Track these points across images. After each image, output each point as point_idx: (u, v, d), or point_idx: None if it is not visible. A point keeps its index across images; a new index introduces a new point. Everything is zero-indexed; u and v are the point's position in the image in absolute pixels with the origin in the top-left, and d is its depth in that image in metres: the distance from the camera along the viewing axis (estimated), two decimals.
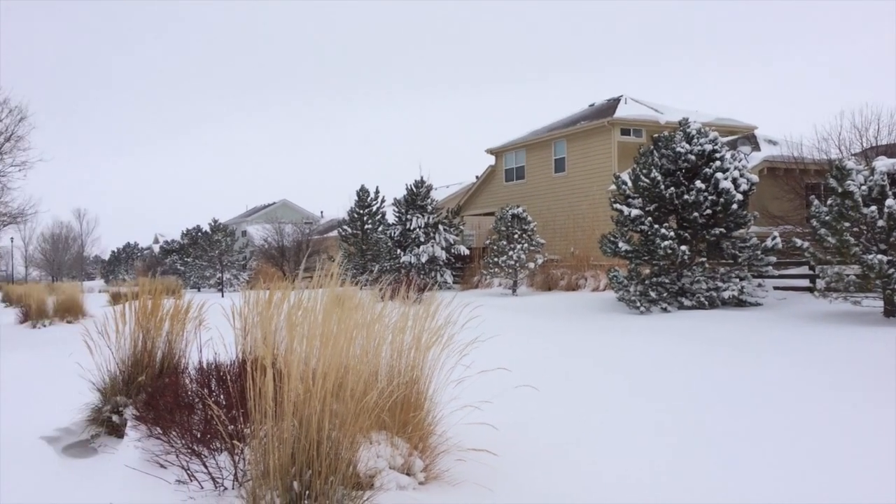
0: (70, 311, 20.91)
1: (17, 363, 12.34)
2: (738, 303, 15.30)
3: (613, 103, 29.75)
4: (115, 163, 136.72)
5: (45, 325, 19.92)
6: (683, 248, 15.55)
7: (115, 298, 26.11)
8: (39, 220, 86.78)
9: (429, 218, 28.05)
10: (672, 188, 16.03)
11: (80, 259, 79.39)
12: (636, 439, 5.79)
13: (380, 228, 32.78)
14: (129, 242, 75.78)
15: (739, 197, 15.53)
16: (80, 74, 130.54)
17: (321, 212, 67.72)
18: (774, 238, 15.60)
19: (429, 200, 28.57)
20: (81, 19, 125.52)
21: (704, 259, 16.00)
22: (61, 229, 75.49)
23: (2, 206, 20.84)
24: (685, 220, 16.14)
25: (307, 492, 3.72)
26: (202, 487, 4.53)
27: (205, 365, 6.05)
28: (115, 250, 76.08)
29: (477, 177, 36.26)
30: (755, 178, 16.25)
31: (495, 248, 23.46)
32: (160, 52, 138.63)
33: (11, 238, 55.95)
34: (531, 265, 23.24)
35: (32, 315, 20.49)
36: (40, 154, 31.08)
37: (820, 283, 13.58)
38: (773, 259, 15.70)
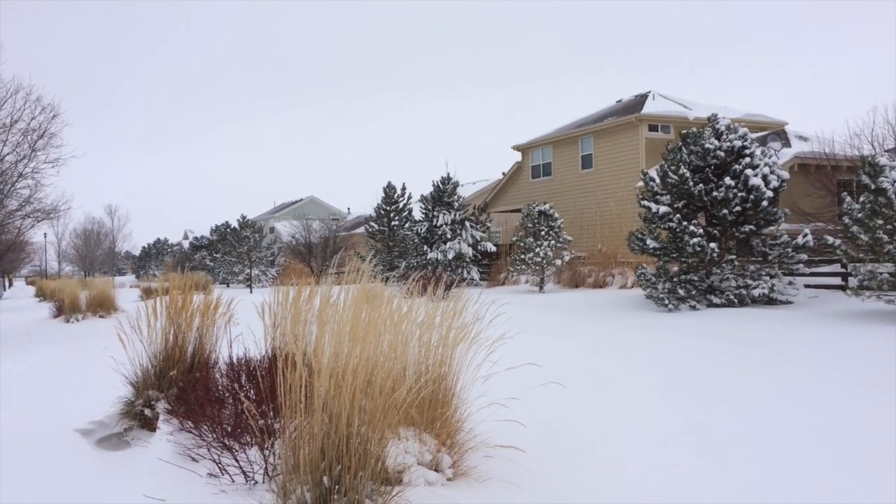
0: (102, 306, 21.23)
1: (51, 357, 12.60)
2: (769, 301, 15.11)
3: (641, 99, 29.50)
4: (145, 159, 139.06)
5: (77, 320, 20.24)
6: (712, 245, 15.40)
7: (146, 293, 26.52)
8: (72, 216, 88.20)
9: (455, 215, 28.07)
10: (701, 185, 15.88)
11: (111, 254, 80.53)
12: (664, 438, 5.76)
13: (406, 225, 32.86)
14: (159, 238, 76.85)
15: (769, 194, 15.33)
16: (111, 72, 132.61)
17: (348, 208, 68.19)
18: (806, 235, 15.38)
19: (455, 197, 28.58)
20: (113, 17, 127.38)
21: (734, 256, 15.83)
22: (93, 225, 76.67)
23: (35, 203, 21.21)
24: (714, 217, 15.97)
25: (337, 486, 3.75)
26: (233, 481, 4.59)
27: (235, 360, 6.13)
28: (146, 246, 77.17)
29: (503, 173, 36.18)
30: (785, 174, 16.04)
31: (522, 244, 23.39)
32: (189, 49, 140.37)
33: (45, 234, 56.95)
34: (558, 262, 23.14)
35: (66, 309, 20.82)
36: (72, 151, 31.71)
37: (852, 282, 13.37)
38: (804, 257, 15.47)
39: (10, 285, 65.73)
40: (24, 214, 21.70)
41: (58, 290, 24.81)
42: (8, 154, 17.56)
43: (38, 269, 76.47)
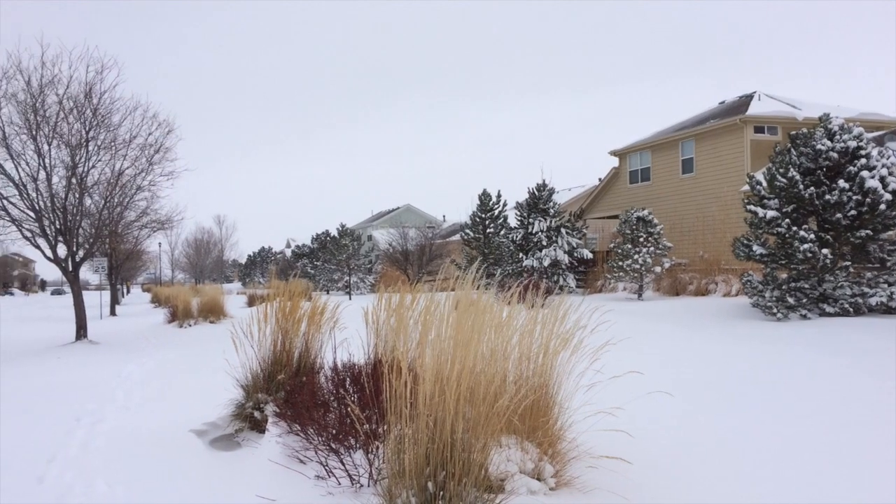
0: (212, 312, 22.23)
1: (167, 360, 13.28)
2: (887, 310, 14.26)
3: (746, 100, 28.43)
4: (251, 169, 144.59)
5: (190, 325, 21.27)
6: (825, 251, 14.65)
7: (252, 300, 27.58)
8: (184, 226, 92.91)
9: (551, 221, 27.82)
10: (812, 188, 15.15)
11: (219, 262, 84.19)
12: (774, 452, 5.51)
13: (502, 232, 32.82)
14: (263, 247, 79.78)
15: (888, 196, 14.47)
16: (215, 84, 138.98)
17: (443, 216, 68.70)
18: None
19: (551, 204, 28.33)
20: (218, 30, 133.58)
21: (848, 263, 15.01)
22: (203, 234, 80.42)
23: (152, 214, 22.51)
24: (826, 222, 15.20)
25: (441, 493, 3.79)
26: (340, 483, 4.71)
27: (339, 365, 6.28)
28: (251, 254, 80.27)
29: (600, 179, 35.64)
30: None
31: (620, 251, 22.97)
32: (291, 61, 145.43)
33: (160, 243, 60.01)
34: (657, 269, 22.58)
35: (179, 315, 21.91)
36: (186, 164, 33.42)
37: None
38: None
39: (128, 292, 69.76)
40: (142, 225, 23.07)
41: (171, 297, 26.15)
42: (127, 168, 18.65)
43: (153, 277, 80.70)
